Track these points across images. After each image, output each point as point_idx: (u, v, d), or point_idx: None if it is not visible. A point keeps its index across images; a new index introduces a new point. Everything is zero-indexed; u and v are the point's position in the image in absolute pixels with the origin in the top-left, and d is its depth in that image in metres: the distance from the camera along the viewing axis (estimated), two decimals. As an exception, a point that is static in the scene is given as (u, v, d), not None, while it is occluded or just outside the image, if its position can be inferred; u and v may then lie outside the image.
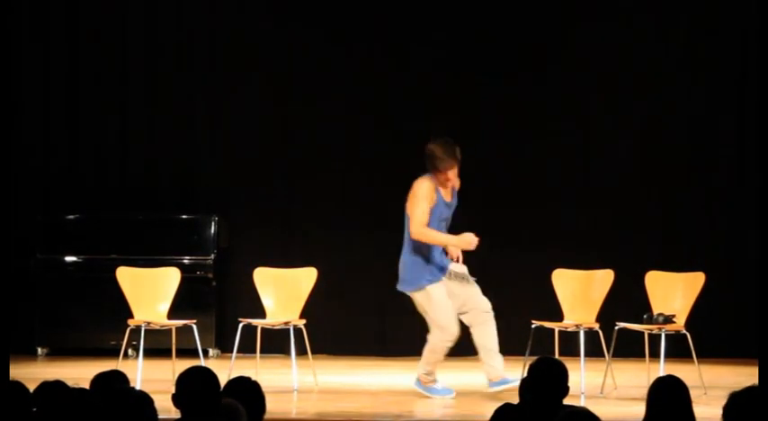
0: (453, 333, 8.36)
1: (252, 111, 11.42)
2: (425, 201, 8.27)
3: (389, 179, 10.29)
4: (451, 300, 8.39)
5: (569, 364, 4.92)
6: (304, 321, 9.18)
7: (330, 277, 10.30)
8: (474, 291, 8.48)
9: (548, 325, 8.93)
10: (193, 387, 4.34)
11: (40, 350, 10.97)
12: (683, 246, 11.05)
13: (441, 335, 8.35)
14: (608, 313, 8.99)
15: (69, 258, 10.95)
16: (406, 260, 8.43)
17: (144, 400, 4.25)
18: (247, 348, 9.28)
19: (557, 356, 7.20)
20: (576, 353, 8.46)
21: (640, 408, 4.66)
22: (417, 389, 8.49)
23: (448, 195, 8.40)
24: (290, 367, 8.94)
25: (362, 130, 11.32)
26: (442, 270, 8.41)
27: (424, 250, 8.37)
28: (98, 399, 4.47)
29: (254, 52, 11.45)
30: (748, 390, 4.25)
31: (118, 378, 5.00)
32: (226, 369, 8.53)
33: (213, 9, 11.48)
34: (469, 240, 8.32)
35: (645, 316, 8.84)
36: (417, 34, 11.33)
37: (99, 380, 4.97)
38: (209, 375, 4.39)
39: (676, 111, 11.29)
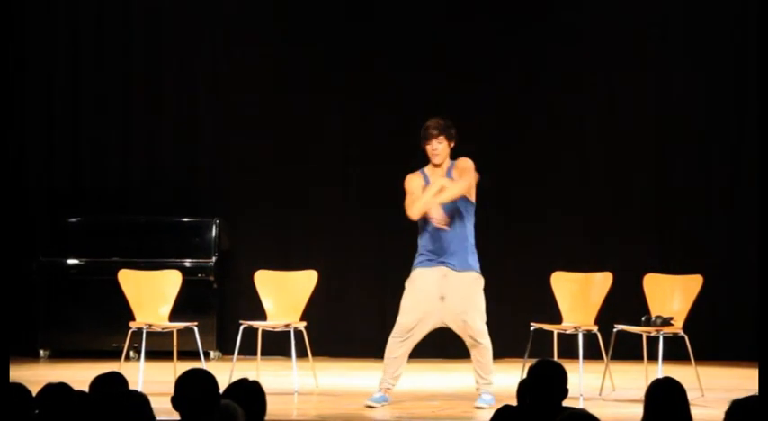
0: (402, 325, 8.08)
1: (253, 115, 11.46)
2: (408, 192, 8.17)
3: (390, 182, 10.32)
4: (438, 303, 8.06)
5: (568, 366, 4.96)
6: (304, 323, 9.21)
7: (330, 279, 10.35)
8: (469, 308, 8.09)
9: (547, 327, 8.95)
10: (192, 389, 4.36)
11: (42, 352, 11.00)
12: (680, 249, 11.09)
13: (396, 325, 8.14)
14: (606, 315, 9.02)
15: (72, 261, 10.98)
16: None
17: (141, 401, 4.28)
18: (248, 350, 9.32)
19: (555, 358, 7.25)
20: (574, 356, 8.48)
21: (639, 410, 4.69)
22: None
23: (437, 176, 8.15)
24: (291, 369, 8.97)
25: (363, 133, 11.36)
26: (435, 258, 8.07)
27: (421, 229, 8.15)
28: (99, 402, 4.51)
29: (256, 55, 11.48)
30: (751, 399, 4.28)
31: (116, 380, 5.03)
32: (227, 371, 8.57)
33: (215, 11, 11.52)
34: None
35: (643, 318, 8.86)
36: (416, 38, 11.37)
37: (98, 382, 5.01)
38: (207, 377, 4.42)
39: (674, 114, 11.33)
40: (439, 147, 8.13)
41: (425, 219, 8.10)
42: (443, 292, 8.06)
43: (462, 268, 8.09)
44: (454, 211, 8.12)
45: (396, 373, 8.14)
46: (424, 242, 8.15)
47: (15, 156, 10.93)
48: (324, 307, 10.42)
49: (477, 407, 7.99)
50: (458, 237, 8.11)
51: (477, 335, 8.06)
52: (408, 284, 8.19)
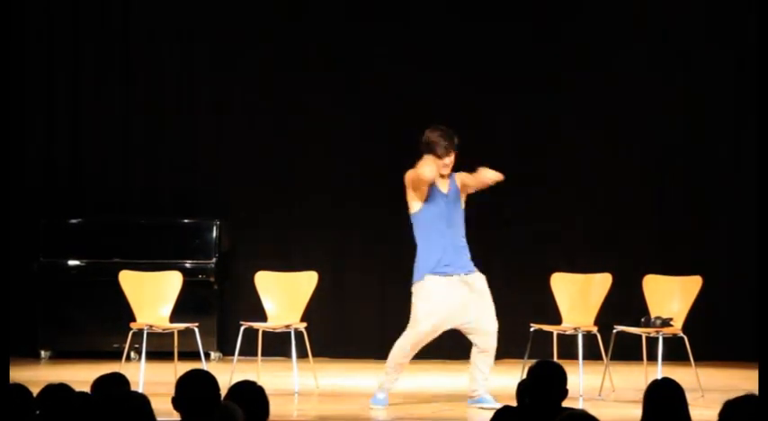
0: (421, 333, 8.10)
1: (254, 116, 11.47)
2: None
3: (390, 183, 10.34)
4: (458, 309, 8.12)
5: (568, 367, 4.97)
6: (305, 324, 9.23)
7: (331, 280, 10.35)
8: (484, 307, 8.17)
9: (546, 328, 8.97)
10: (193, 390, 4.38)
11: (42, 353, 11.01)
12: (680, 250, 11.10)
13: (409, 331, 8.11)
14: (606, 316, 9.04)
15: (72, 262, 11.00)
16: (417, 250, 8.23)
17: (141, 402, 4.29)
18: (249, 351, 9.33)
19: (555, 359, 7.28)
20: (574, 356, 8.50)
21: (638, 411, 4.70)
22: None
23: (444, 186, 8.23)
24: (291, 370, 8.99)
25: (363, 134, 11.37)
26: (449, 266, 8.11)
27: (429, 239, 8.17)
28: (100, 403, 4.52)
29: (257, 56, 11.49)
30: (744, 399, 4.29)
31: (118, 381, 5.05)
32: (227, 372, 8.59)
33: (216, 11, 11.52)
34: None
35: (642, 319, 8.88)
36: (417, 41, 11.38)
37: (100, 383, 5.02)
38: (208, 378, 4.43)
39: (673, 115, 11.34)
40: (449, 161, 8.19)
41: (433, 226, 8.12)
42: (468, 302, 8.10)
43: (472, 270, 8.17)
44: (461, 217, 8.21)
45: (399, 376, 8.21)
46: (435, 251, 8.09)
47: (16, 157, 10.93)
48: (324, 307, 10.43)
49: (482, 408, 7.99)
50: (462, 243, 8.20)
51: (493, 338, 8.11)
52: (424, 291, 8.09)
